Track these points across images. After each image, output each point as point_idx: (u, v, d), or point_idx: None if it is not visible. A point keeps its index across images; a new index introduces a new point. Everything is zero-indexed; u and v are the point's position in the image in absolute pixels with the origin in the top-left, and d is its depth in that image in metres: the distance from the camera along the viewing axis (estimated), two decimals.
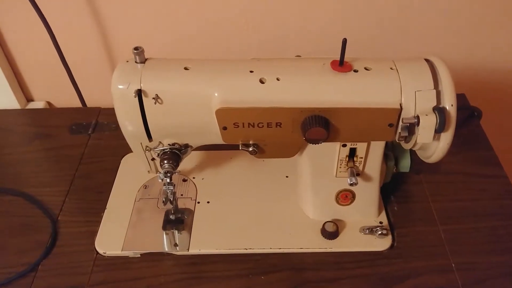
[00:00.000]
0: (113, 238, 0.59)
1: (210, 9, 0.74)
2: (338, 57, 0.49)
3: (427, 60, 0.50)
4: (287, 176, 0.66)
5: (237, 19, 0.76)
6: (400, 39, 0.79)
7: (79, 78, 0.80)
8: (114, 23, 0.76)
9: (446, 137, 0.48)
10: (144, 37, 0.78)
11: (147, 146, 0.53)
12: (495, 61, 0.84)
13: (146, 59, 0.49)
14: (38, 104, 0.87)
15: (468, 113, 0.74)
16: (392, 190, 0.64)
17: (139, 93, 0.47)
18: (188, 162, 0.67)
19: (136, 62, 0.48)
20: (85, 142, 0.73)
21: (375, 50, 0.80)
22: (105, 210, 0.62)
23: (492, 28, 0.78)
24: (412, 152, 0.58)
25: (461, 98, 0.78)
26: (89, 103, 0.84)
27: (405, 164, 0.60)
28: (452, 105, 0.47)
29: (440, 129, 0.46)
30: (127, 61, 0.49)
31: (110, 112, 0.50)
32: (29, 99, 0.88)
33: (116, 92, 0.48)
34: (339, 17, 0.76)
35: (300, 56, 0.53)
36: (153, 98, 0.47)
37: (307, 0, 0.73)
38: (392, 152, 0.59)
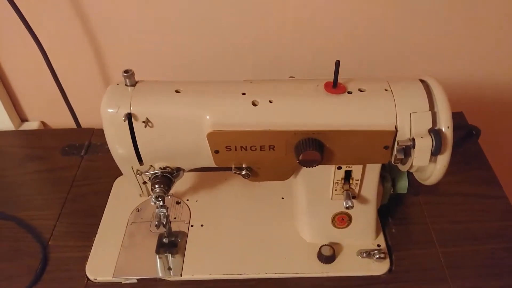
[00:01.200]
0: (104, 263, 0.57)
1: (204, 28, 0.74)
2: (332, 78, 0.48)
3: (422, 81, 0.49)
4: (282, 198, 0.65)
5: (232, 38, 0.75)
6: (396, 57, 0.79)
7: (74, 99, 0.80)
8: (109, 43, 0.76)
9: (443, 160, 0.47)
10: (138, 57, 0.78)
11: (138, 170, 0.52)
12: (494, 79, 0.83)
13: (136, 82, 0.48)
14: (33, 124, 0.87)
15: (466, 132, 0.73)
16: (389, 212, 0.62)
17: (129, 117, 0.46)
18: (181, 184, 0.66)
19: (126, 85, 0.48)
20: (78, 163, 0.72)
21: (370, 69, 0.79)
22: (97, 234, 0.61)
23: (490, 45, 0.78)
24: (410, 173, 0.57)
25: (459, 117, 0.77)
26: (84, 123, 0.83)
27: (403, 185, 0.59)
28: (448, 127, 0.46)
29: (436, 152, 0.45)
30: (118, 84, 0.48)
31: (103, 133, 0.49)
32: (24, 119, 0.88)
33: (105, 116, 0.47)
34: (334, 37, 0.75)
35: (293, 77, 0.52)
36: (144, 122, 0.47)
37: (300, 20, 0.73)
38: (389, 173, 0.58)
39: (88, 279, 0.56)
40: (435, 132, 0.45)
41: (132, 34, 0.75)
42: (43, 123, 0.88)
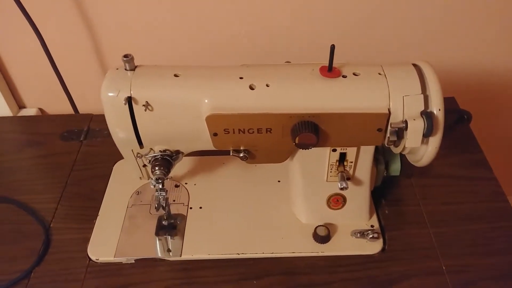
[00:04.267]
0: (105, 244, 0.59)
1: (201, 15, 0.75)
2: (327, 62, 0.49)
3: (415, 65, 0.51)
4: (279, 181, 0.66)
5: (229, 25, 0.76)
6: (390, 43, 0.80)
7: (71, 85, 0.80)
8: (106, 30, 0.76)
9: (435, 141, 0.49)
10: (136, 44, 0.78)
11: (138, 153, 0.53)
12: (485, 64, 0.84)
13: (136, 66, 0.49)
14: (30, 111, 0.87)
15: (457, 116, 0.75)
16: (383, 194, 0.64)
17: (129, 101, 0.47)
18: (180, 167, 0.67)
19: (126, 69, 0.48)
20: (77, 149, 0.73)
21: (364, 54, 0.80)
22: (98, 217, 0.62)
23: (482, 31, 0.79)
24: (402, 156, 0.58)
25: (450, 101, 0.79)
26: (82, 110, 0.84)
27: (396, 167, 0.60)
28: (439, 110, 0.47)
29: (427, 133, 0.47)
30: (117, 69, 0.49)
31: (102, 119, 0.50)
32: (21, 106, 0.88)
33: (106, 100, 0.48)
34: (329, 23, 0.76)
35: (289, 62, 0.53)
36: (143, 105, 0.48)
37: (297, 5, 0.74)
38: (382, 156, 0.60)
39: (90, 259, 0.58)
40: (426, 115, 0.47)
41: (130, 20, 0.75)
42: (41, 110, 0.88)
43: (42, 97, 0.87)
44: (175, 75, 0.49)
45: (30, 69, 0.82)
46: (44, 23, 0.73)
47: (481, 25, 0.78)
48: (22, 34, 0.75)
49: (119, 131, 0.50)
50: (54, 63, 0.76)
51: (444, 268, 0.56)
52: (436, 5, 0.75)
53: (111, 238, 0.59)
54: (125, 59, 0.48)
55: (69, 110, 0.83)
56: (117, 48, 0.79)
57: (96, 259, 0.58)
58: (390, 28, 0.77)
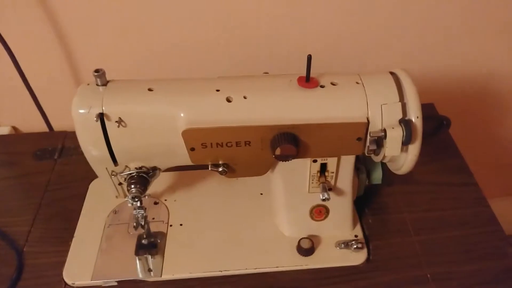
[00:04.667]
0: (82, 267, 0.56)
1: (177, 25, 0.74)
2: (304, 73, 0.49)
3: (392, 73, 0.51)
4: (261, 194, 0.65)
5: (206, 35, 0.75)
6: (367, 51, 0.80)
7: (45, 102, 0.78)
8: (78, 44, 0.75)
9: (414, 149, 0.48)
10: (109, 58, 0.77)
11: (113, 171, 0.51)
12: (464, 70, 0.86)
13: (108, 81, 0.48)
14: (3, 129, 0.84)
15: (437, 123, 0.75)
16: (366, 203, 0.64)
17: (101, 117, 0.46)
18: (159, 183, 0.65)
19: (97, 84, 0.47)
20: (51, 167, 0.71)
21: (342, 63, 0.80)
22: (73, 239, 0.60)
23: (460, 37, 0.80)
24: (384, 164, 0.58)
25: (429, 108, 0.79)
26: (57, 126, 0.81)
27: (377, 176, 0.60)
28: (417, 117, 0.47)
29: (407, 141, 0.47)
30: (88, 84, 0.48)
31: (76, 136, 0.48)
32: None
33: (77, 117, 0.46)
34: (308, 32, 0.76)
35: (267, 73, 0.53)
36: (116, 122, 0.46)
37: (275, 15, 0.73)
38: (363, 165, 0.59)
39: (66, 284, 0.55)
40: (405, 122, 0.47)
41: (102, 34, 0.74)
42: (14, 128, 0.86)
43: (15, 115, 0.84)
44: (149, 89, 0.48)
45: (2, 87, 0.79)
46: (14, 38, 0.71)
47: (459, 31, 0.79)
48: None
49: (92, 149, 0.49)
50: (26, 80, 0.74)
51: (429, 276, 0.55)
52: (414, 13, 0.75)
53: (88, 260, 0.57)
54: (96, 74, 0.46)
55: (44, 127, 0.81)
56: (91, 63, 0.77)
57: (72, 283, 0.55)
58: (368, 37, 0.78)
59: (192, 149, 0.48)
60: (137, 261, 0.57)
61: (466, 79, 0.87)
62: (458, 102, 0.89)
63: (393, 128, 0.47)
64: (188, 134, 0.47)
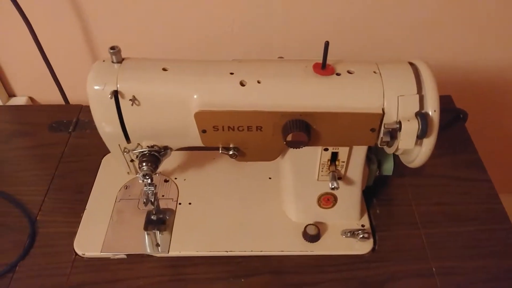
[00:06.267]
0: (92, 239, 0.58)
1: (193, 7, 0.73)
2: (321, 59, 0.48)
3: (411, 64, 0.49)
4: (270, 178, 0.65)
5: (221, 18, 0.74)
6: (385, 40, 0.78)
7: (61, 74, 0.79)
8: (97, 19, 0.75)
9: (429, 143, 0.48)
10: (126, 36, 0.76)
11: (125, 148, 0.52)
12: (482, 63, 0.83)
13: (123, 59, 0.48)
14: (20, 99, 0.86)
15: (453, 116, 0.74)
16: (374, 193, 0.63)
17: (116, 94, 0.46)
18: (169, 162, 0.66)
19: (112, 62, 0.47)
20: (66, 140, 0.72)
21: (359, 51, 0.79)
22: (85, 211, 0.61)
23: (479, 28, 0.78)
24: (396, 155, 0.57)
25: (446, 100, 0.77)
26: (72, 100, 0.82)
27: (388, 167, 0.59)
28: (435, 111, 0.46)
29: (422, 135, 0.46)
30: (103, 61, 0.48)
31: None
32: (11, 95, 0.86)
33: (92, 93, 0.46)
34: (324, 18, 0.75)
35: (282, 58, 0.52)
36: (130, 100, 0.46)
37: (290, 1, 0.72)
38: (375, 155, 0.59)
39: (76, 254, 0.57)
40: (421, 116, 0.46)
41: (120, 10, 0.73)
42: (31, 98, 0.87)
43: (32, 86, 0.85)
44: (164, 69, 0.47)
45: (19, 57, 0.80)
46: (34, 12, 0.71)
47: (479, 22, 0.77)
48: (11, 23, 0.73)
49: (106, 125, 0.49)
50: (44, 52, 0.75)
51: (434, 270, 0.55)
52: (433, 2, 0.73)
53: (98, 232, 0.58)
54: (111, 51, 0.46)
55: (59, 100, 0.82)
56: (108, 38, 0.77)
57: (83, 254, 0.57)
58: (386, 24, 0.76)
59: (204, 131, 0.48)
60: (146, 236, 0.58)
61: (485, 71, 0.85)
62: (476, 95, 0.87)
63: (408, 120, 0.46)
64: (200, 116, 0.47)
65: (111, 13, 0.74)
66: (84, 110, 0.77)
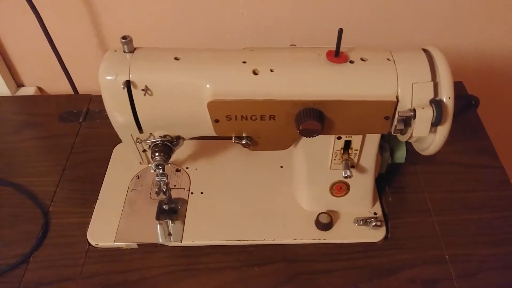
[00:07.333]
0: (105, 229, 0.58)
1: None
2: (334, 46, 0.47)
3: (425, 50, 0.49)
4: (281, 166, 0.65)
5: (232, 6, 0.73)
6: (397, 26, 0.77)
7: (71, 64, 0.79)
8: (106, 8, 0.74)
9: (443, 130, 0.47)
10: (136, 24, 0.76)
11: (137, 138, 0.52)
12: (494, 49, 0.82)
13: (135, 49, 0.47)
14: (29, 89, 0.86)
15: (465, 102, 0.73)
16: (387, 181, 0.63)
17: (128, 85, 0.46)
18: (181, 152, 0.66)
19: (124, 51, 0.47)
20: (76, 130, 0.72)
21: (372, 38, 0.78)
22: (97, 201, 0.61)
23: (491, 14, 0.76)
24: (408, 143, 0.57)
25: (458, 86, 0.76)
26: (81, 90, 0.82)
27: (401, 155, 0.59)
28: (449, 98, 0.46)
29: (436, 122, 0.45)
30: (115, 51, 0.47)
31: (101, 100, 0.48)
32: (20, 85, 0.86)
33: (104, 83, 0.46)
34: (336, 4, 0.73)
35: (295, 46, 0.51)
36: (143, 90, 0.46)
37: None
38: (387, 143, 0.59)
39: (89, 244, 0.57)
40: (436, 103, 0.45)
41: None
42: (39, 88, 0.87)
43: (41, 76, 0.85)
44: (176, 58, 0.47)
45: (28, 47, 0.80)
46: (43, 1, 0.70)
47: (491, 8, 0.75)
48: (20, 12, 0.73)
49: (118, 115, 0.49)
50: (53, 42, 0.74)
51: (447, 257, 0.55)
52: None
53: (111, 222, 0.59)
54: (123, 41, 0.46)
55: (68, 89, 0.82)
56: (118, 28, 0.76)
57: (96, 244, 0.57)
58: (399, 11, 0.75)
59: (217, 121, 0.48)
60: (158, 226, 0.59)
61: (498, 58, 0.83)
62: (488, 82, 0.86)
63: (423, 108, 0.45)
64: (213, 106, 0.47)
65: (120, 2, 0.73)
66: (93, 100, 0.76)
